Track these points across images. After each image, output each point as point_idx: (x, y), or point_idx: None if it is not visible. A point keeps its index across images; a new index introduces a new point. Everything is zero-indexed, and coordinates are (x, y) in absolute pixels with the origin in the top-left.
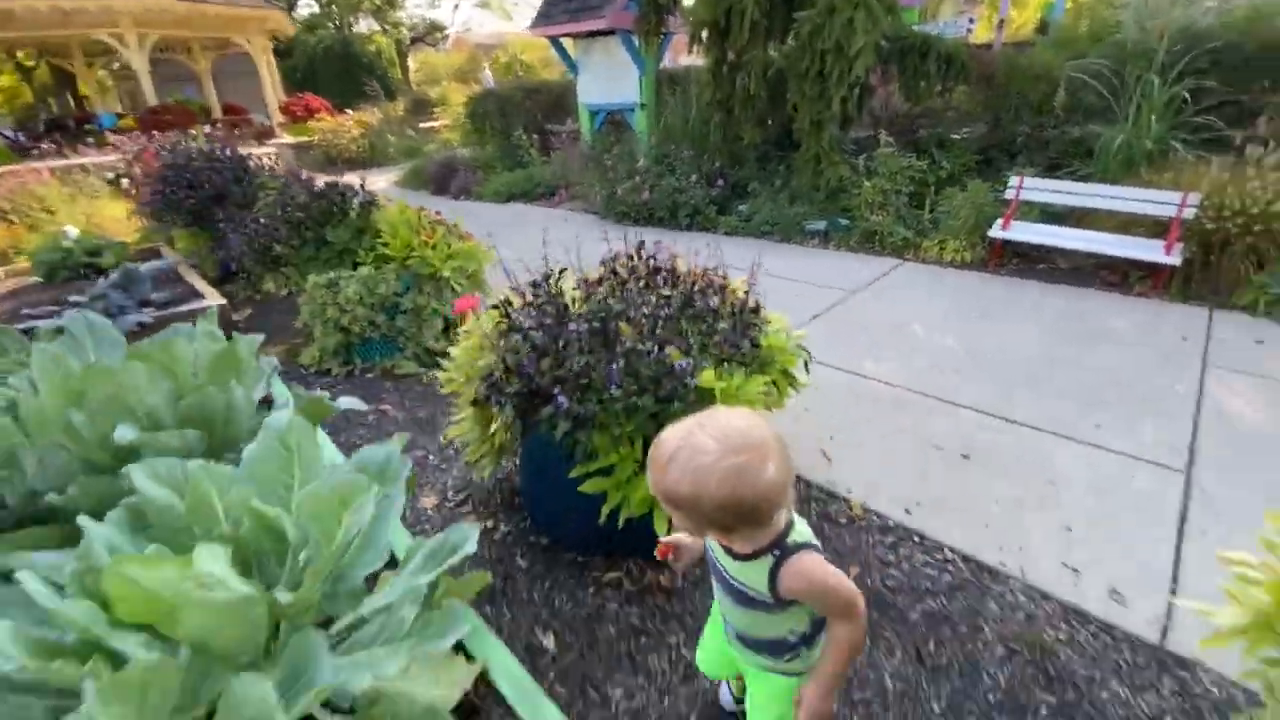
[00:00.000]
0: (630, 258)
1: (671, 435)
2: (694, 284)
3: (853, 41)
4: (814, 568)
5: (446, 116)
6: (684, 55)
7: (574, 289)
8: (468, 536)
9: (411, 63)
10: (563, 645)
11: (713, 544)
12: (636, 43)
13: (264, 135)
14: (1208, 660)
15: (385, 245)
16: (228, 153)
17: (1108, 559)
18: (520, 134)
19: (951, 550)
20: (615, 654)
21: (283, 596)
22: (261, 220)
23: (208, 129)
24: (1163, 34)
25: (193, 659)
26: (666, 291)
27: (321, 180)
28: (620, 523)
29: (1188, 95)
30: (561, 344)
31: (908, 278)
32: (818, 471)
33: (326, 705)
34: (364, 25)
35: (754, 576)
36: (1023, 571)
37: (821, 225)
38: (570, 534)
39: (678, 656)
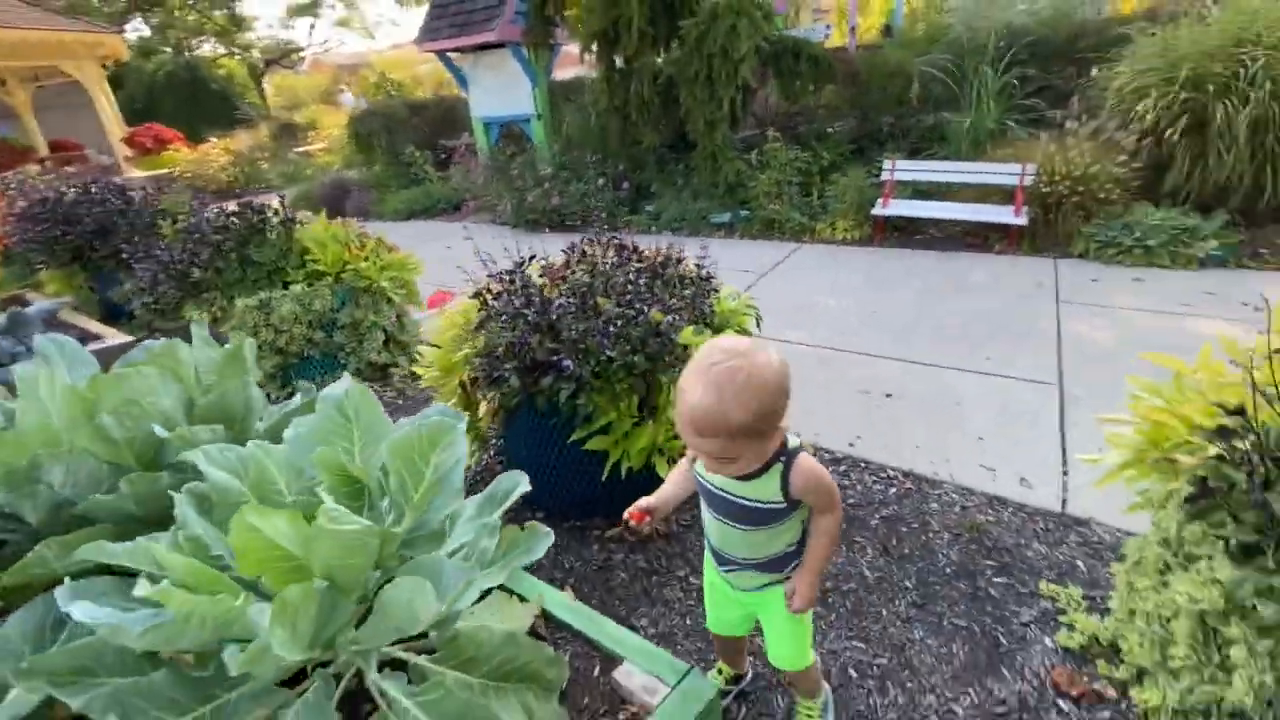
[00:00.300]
0: (593, 241)
1: (693, 378)
2: (658, 259)
3: (737, 46)
4: (814, 464)
5: (321, 139)
6: (560, 68)
7: (539, 276)
8: (518, 482)
9: (268, 87)
10: (582, 595)
11: (714, 480)
12: (527, 55)
13: (106, 171)
14: (1099, 516)
15: (315, 261)
16: (103, 185)
17: (1013, 456)
18: (412, 151)
19: (893, 469)
20: (632, 594)
21: (393, 529)
22: (173, 247)
23: (34, 168)
24: (990, 31)
25: (324, 592)
26: (638, 264)
27: (232, 204)
28: (623, 474)
29: (1016, 82)
30: (555, 317)
31: (808, 257)
32: None
33: (406, 647)
34: (208, 49)
35: (766, 488)
36: (952, 476)
37: (726, 217)
38: (566, 501)
39: (690, 585)
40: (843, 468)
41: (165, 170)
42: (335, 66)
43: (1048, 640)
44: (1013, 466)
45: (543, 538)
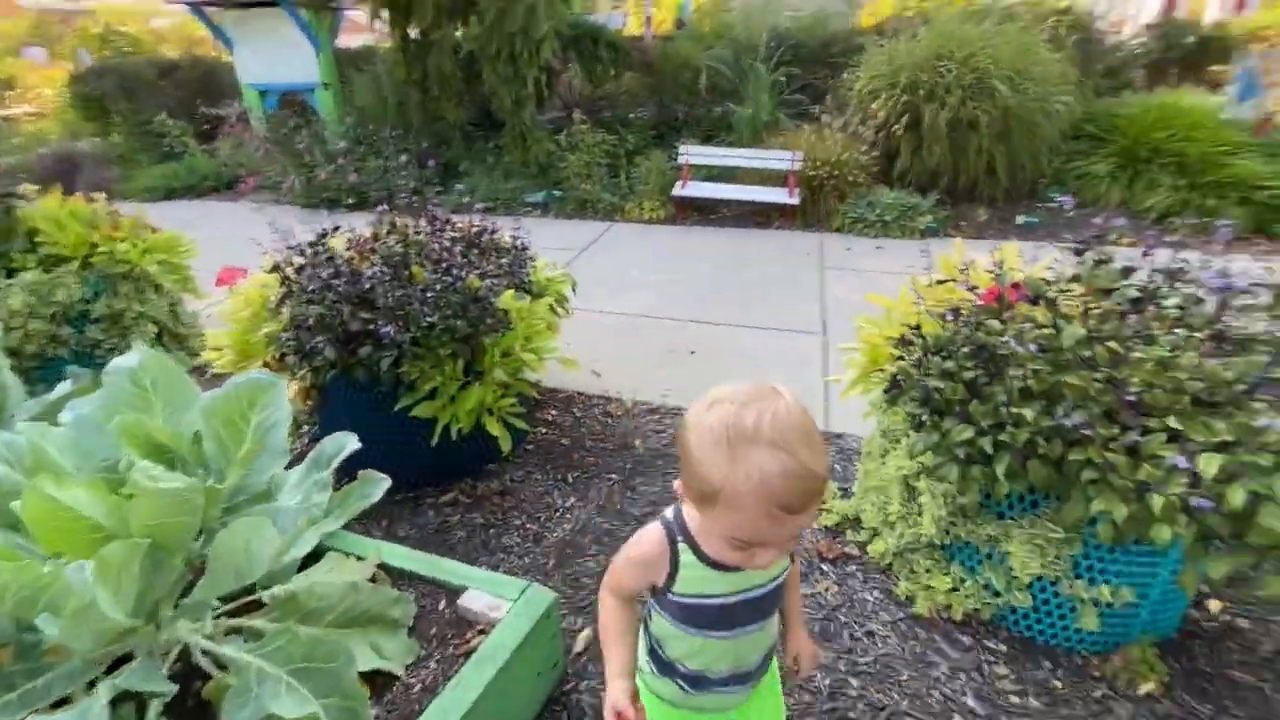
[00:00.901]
0: (400, 212)
1: (754, 453)
2: (472, 230)
3: (538, 27)
4: None
5: (28, 101)
6: (347, 35)
7: (346, 249)
8: (344, 442)
9: None
10: None
11: (738, 585)
12: (306, 17)
13: None
14: (850, 429)
15: (52, 244)
16: None
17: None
18: (164, 119)
19: None
20: (472, 547)
21: (219, 485)
22: None
23: None
24: (763, 32)
25: (148, 550)
26: (454, 234)
27: None
28: (454, 435)
29: (784, 79)
30: (368, 286)
31: (620, 235)
32: (594, 386)
33: (238, 618)
34: None
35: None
36: None
37: (539, 197)
38: (396, 474)
39: (527, 530)
40: (657, 416)
41: None
42: (40, 11)
43: (815, 525)
44: None
45: (378, 481)
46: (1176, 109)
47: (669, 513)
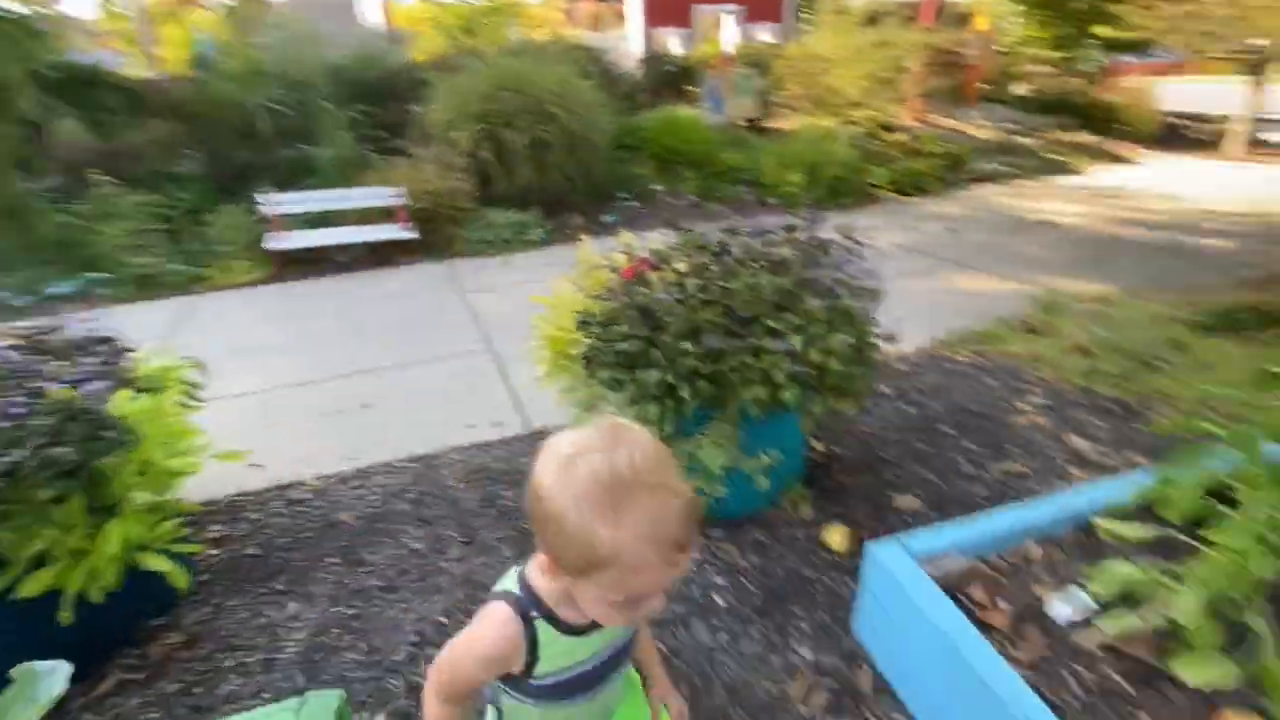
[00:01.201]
0: None
1: (624, 498)
2: (29, 331)
3: (6, 71)
4: None
5: None
6: None
7: None
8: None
9: None
10: None
11: (593, 649)
12: None
13: None
14: (551, 421)
15: None
16: None
17: (482, 410)
18: None
19: (398, 462)
20: (176, 717)
21: None
22: None
23: None
24: (315, 69)
25: None
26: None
27: None
28: (95, 599)
29: (360, 116)
30: None
31: (213, 307)
32: (259, 480)
33: None
34: None
35: None
36: (446, 443)
37: (70, 285)
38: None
39: (247, 666)
40: (353, 482)
41: None
42: None
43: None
44: (485, 417)
45: (48, 672)
46: (677, 121)
47: (511, 583)
